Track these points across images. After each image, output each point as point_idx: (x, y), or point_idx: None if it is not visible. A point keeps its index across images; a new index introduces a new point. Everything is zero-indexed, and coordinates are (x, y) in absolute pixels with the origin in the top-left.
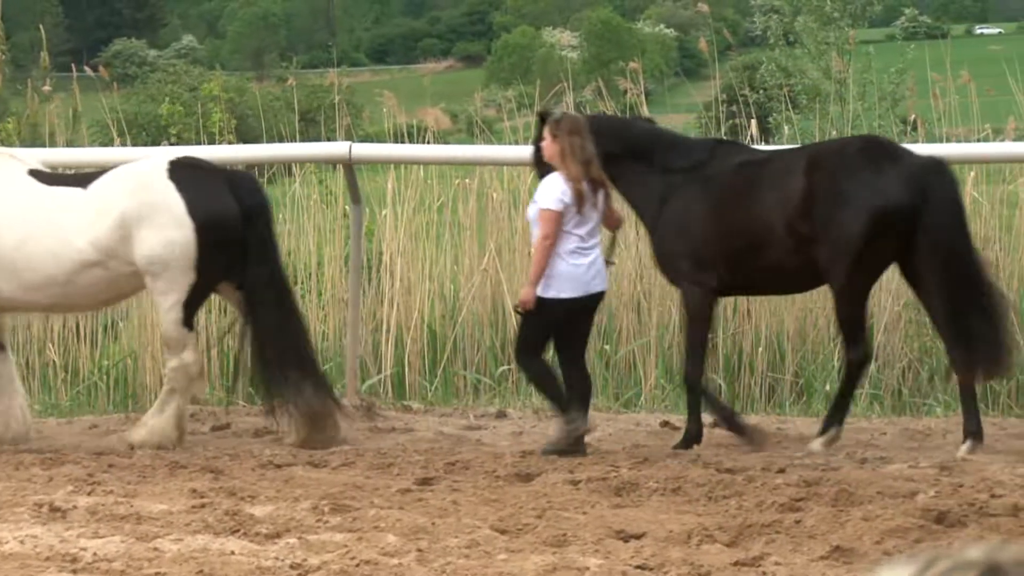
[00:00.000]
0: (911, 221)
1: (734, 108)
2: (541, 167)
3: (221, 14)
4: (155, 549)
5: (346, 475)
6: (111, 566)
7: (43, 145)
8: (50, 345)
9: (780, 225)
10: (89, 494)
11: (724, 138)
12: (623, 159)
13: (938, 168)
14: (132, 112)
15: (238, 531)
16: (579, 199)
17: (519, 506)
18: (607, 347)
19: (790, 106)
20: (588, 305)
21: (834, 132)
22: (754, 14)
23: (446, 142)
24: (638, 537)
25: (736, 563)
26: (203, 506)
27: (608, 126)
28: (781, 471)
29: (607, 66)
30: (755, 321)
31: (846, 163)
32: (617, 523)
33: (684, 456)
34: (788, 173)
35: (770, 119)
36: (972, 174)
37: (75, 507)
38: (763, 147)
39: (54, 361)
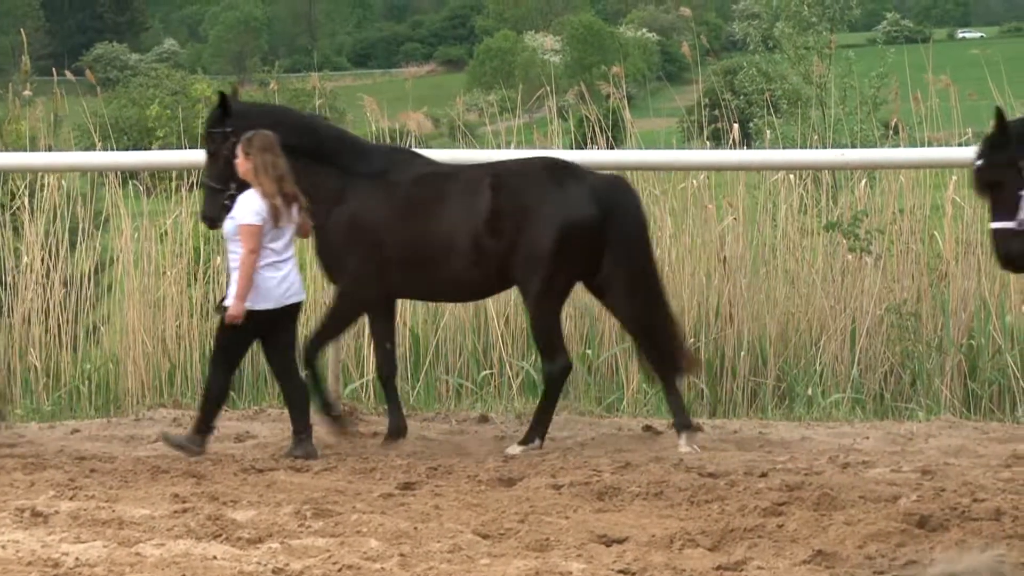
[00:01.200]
0: (599, 235)
1: (716, 112)
2: (216, 180)
3: (203, 18)
4: (137, 554)
5: (328, 480)
6: (93, 571)
7: (24, 149)
8: (32, 350)
9: (465, 239)
10: (71, 499)
11: (401, 147)
12: (301, 155)
13: (621, 185)
14: (114, 116)
15: (220, 536)
16: (275, 214)
17: (501, 511)
18: (589, 352)
19: (771, 111)
20: (285, 316)
21: (815, 137)
22: (735, 19)
23: (428, 146)
24: (620, 541)
25: (718, 567)
26: (185, 511)
27: (290, 119)
28: (763, 475)
29: (589, 70)
30: (737, 326)
31: (531, 181)
32: (599, 527)
33: (667, 460)
34: (474, 189)
35: (751, 124)
36: (954, 179)
37: (57, 512)
38: (441, 159)
39: (36, 366)
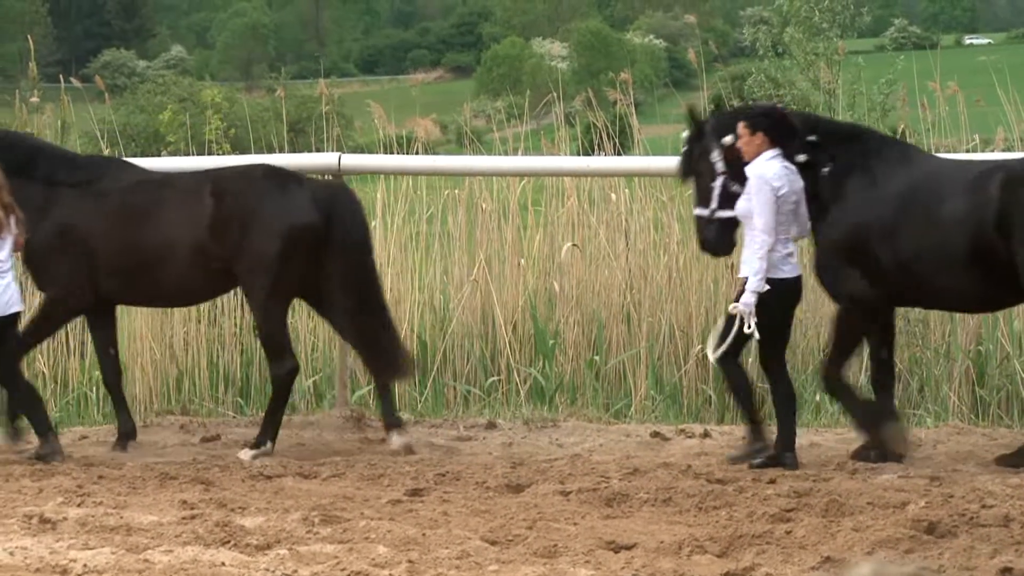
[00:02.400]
0: (322, 240)
1: None
2: None
3: (210, 25)
4: (145, 560)
5: (336, 486)
6: None
7: None
8: (39, 356)
9: (186, 245)
10: (79, 505)
11: (114, 156)
12: (5, 169)
13: (342, 191)
14: (122, 123)
15: (228, 542)
16: None
17: (510, 517)
18: (597, 358)
19: None
20: (5, 325)
21: None
22: (743, 25)
23: (436, 153)
24: (629, 548)
25: (727, 574)
26: (193, 517)
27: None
28: (772, 482)
29: (597, 77)
30: None
31: (253, 187)
32: (608, 534)
33: (675, 467)
34: (194, 196)
35: None
36: None
37: (65, 518)
38: (155, 168)
39: (44, 372)
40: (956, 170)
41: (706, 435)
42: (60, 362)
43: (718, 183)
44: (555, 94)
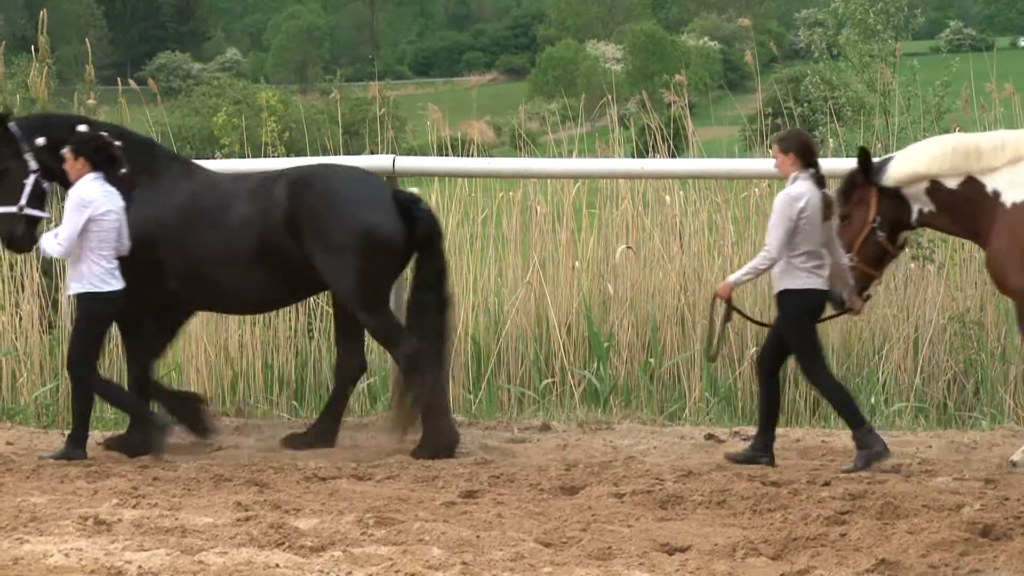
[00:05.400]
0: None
1: (779, 121)
2: None
3: (265, 27)
4: (200, 562)
5: (391, 488)
6: None
7: None
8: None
9: None
10: (134, 507)
11: None
12: None
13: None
14: (176, 125)
15: (283, 544)
16: None
17: (564, 519)
18: (651, 360)
19: (835, 119)
20: None
21: (879, 145)
22: (798, 27)
23: (490, 155)
24: (683, 550)
25: None
26: (248, 519)
27: None
28: (826, 484)
29: (651, 79)
30: None
31: None
32: (662, 536)
33: (729, 469)
34: None
35: (815, 132)
36: None
37: (120, 520)
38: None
39: (99, 374)
40: (236, 180)
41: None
42: (115, 363)
43: (30, 180)
44: (609, 96)
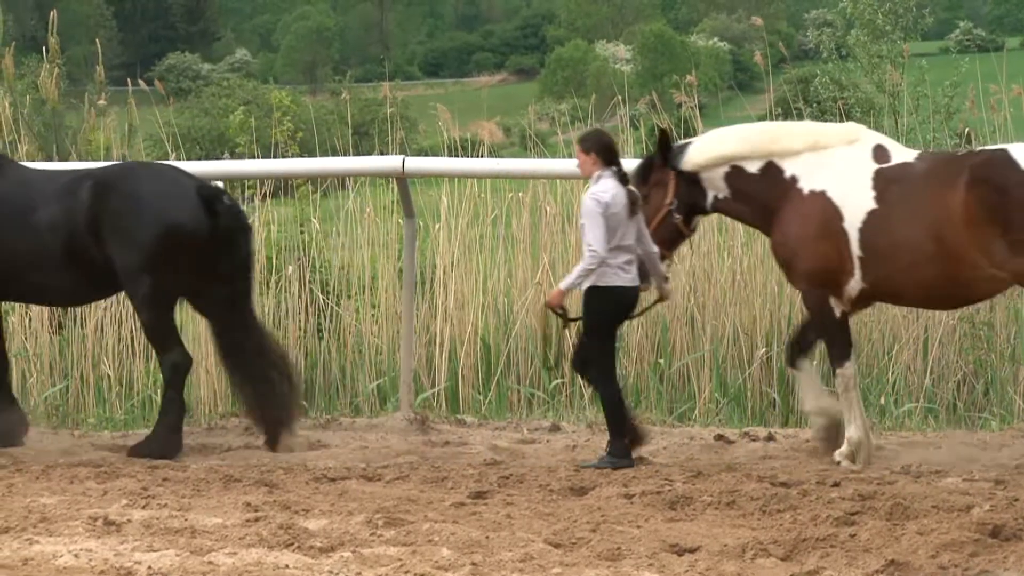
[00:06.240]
0: None
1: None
2: None
3: (274, 28)
4: (209, 563)
5: (400, 488)
6: None
7: (99, 159)
8: (105, 359)
9: None
10: (144, 507)
11: None
12: None
13: None
14: (186, 126)
15: (292, 545)
16: None
17: (573, 520)
18: (661, 361)
19: (844, 119)
20: None
21: None
22: (808, 27)
23: (500, 156)
24: (692, 551)
25: None
26: (257, 520)
27: None
28: (836, 485)
29: (661, 79)
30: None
31: None
32: (671, 537)
33: (739, 470)
34: None
35: None
36: None
37: (130, 521)
38: None
39: (109, 375)
40: (47, 180)
41: (770, 438)
42: (126, 364)
43: None
44: (619, 97)
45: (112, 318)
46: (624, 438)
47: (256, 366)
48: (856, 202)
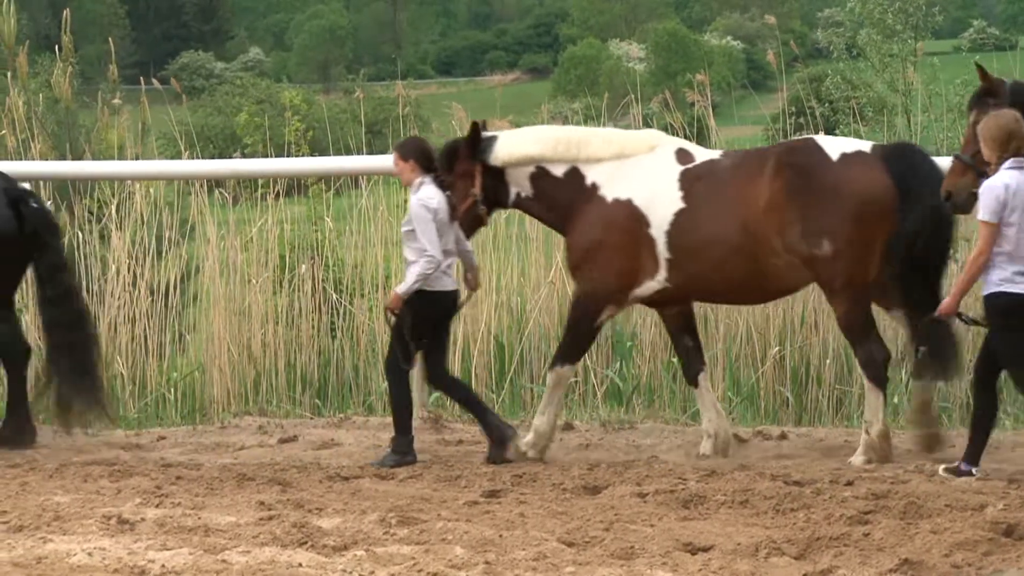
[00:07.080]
0: None
1: (801, 120)
2: None
3: (287, 27)
4: (223, 561)
5: (413, 487)
6: None
7: (113, 158)
8: (118, 358)
9: None
10: (157, 506)
11: None
12: None
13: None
14: (199, 124)
15: (306, 543)
16: None
17: (586, 519)
18: (674, 360)
19: (857, 118)
20: None
21: None
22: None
23: None
24: (706, 550)
25: None
26: (271, 518)
27: None
28: (849, 484)
29: (674, 78)
30: (822, 334)
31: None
32: (685, 536)
33: (752, 468)
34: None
35: (837, 131)
36: None
37: (143, 519)
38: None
39: (122, 374)
40: None
41: (783, 437)
42: (139, 363)
43: None
44: (632, 95)
45: (125, 316)
46: (408, 435)
47: (77, 363)
48: (663, 205)
